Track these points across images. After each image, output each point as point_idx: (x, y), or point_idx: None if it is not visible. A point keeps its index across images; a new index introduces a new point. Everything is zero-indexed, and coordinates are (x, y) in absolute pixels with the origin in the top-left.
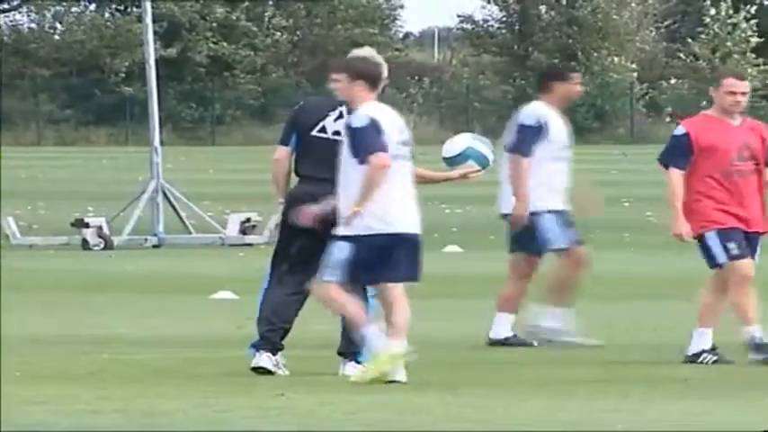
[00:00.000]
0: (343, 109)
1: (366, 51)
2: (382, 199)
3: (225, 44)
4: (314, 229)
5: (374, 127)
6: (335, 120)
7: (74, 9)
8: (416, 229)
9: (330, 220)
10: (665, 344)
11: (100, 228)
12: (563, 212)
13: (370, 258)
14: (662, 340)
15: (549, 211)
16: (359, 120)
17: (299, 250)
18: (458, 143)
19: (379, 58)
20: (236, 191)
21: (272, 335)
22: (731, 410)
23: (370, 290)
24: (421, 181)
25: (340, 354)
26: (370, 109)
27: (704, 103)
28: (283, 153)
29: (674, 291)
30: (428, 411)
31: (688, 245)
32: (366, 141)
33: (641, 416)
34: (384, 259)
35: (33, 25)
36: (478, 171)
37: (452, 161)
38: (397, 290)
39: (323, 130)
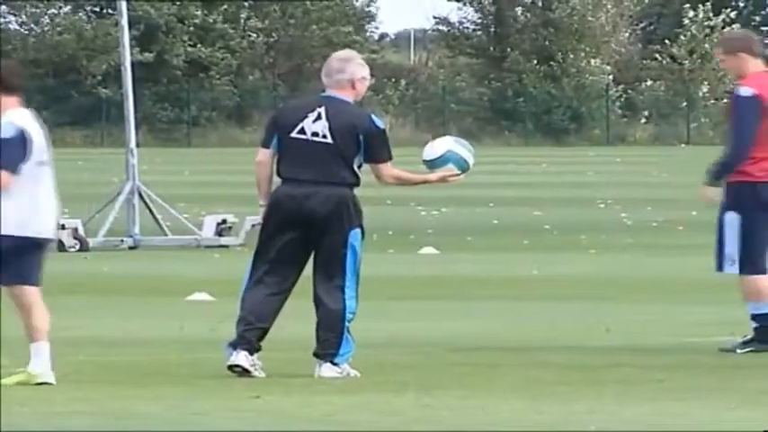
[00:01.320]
0: (322, 110)
1: (347, 53)
2: (29, 204)
3: (201, 47)
4: (294, 230)
5: (20, 139)
6: (314, 121)
7: (51, 11)
8: (53, 235)
9: (313, 224)
10: (640, 346)
11: (75, 229)
12: None
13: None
14: (637, 342)
15: None
16: (6, 129)
17: (278, 252)
18: (438, 146)
19: (359, 59)
20: (211, 192)
21: (250, 334)
22: (706, 412)
23: (351, 290)
24: (399, 183)
25: (316, 355)
26: (15, 117)
27: (684, 104)
28: (265, 156)
29: (651, 292)
30: (405, 413)
31: (660, 246)
32: (7, 155)
33: (616, 417)
34: (28, 261)
35: (11, 26)
36: (458, 175)
37: (432, 164)
38: (36, 293)
39: (302, 131)
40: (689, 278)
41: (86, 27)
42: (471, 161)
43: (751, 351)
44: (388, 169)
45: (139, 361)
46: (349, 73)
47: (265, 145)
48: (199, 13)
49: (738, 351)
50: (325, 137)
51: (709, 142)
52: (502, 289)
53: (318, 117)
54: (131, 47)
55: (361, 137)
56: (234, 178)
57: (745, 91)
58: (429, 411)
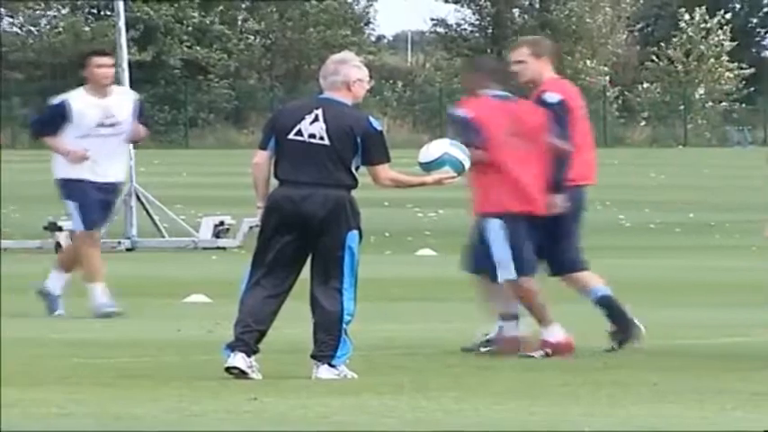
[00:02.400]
0: (319, 112)
1: (343, 55)
2: None
3: (199, 48)
4: (292, 232)
5: None
6: (311, 123)
7: (49, 13)
8: None
9: (310, 226)
10: (636, 348)
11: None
12: None
13: None
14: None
15: None
16: None
17: (276, 254)
18: (434, 149)
19: (356, 62)
20: (209, 194)
21: (248, 337)
22: (701, 413)
23: (349, 293)
24: (396, 185)
25: (313, 357)
26: None
27: (681, 106)
28: (263, 157)
29: (648, 294)
30: (400, 414)
31: (657, 248)
32: None
33: (612, 418)
34: None
35: (9, 29)
36: (454, 177)
37: (428, 166)
38: None
39: (299, 133)
40: (686, 280)
41: (84, 29)
42: (467, 163)
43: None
44: (385, 171)
45: (136, 363)
46: (343, 75)
47: (263, 147)
48: (195, 14)
49: (482, 350)
50: (322, 138)
51: (707, 144)
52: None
53: (315, 119)
54: (129, 47)
55: (358, 139)
56: (231, 180)
57: (555, 97)
58: (425, 413)
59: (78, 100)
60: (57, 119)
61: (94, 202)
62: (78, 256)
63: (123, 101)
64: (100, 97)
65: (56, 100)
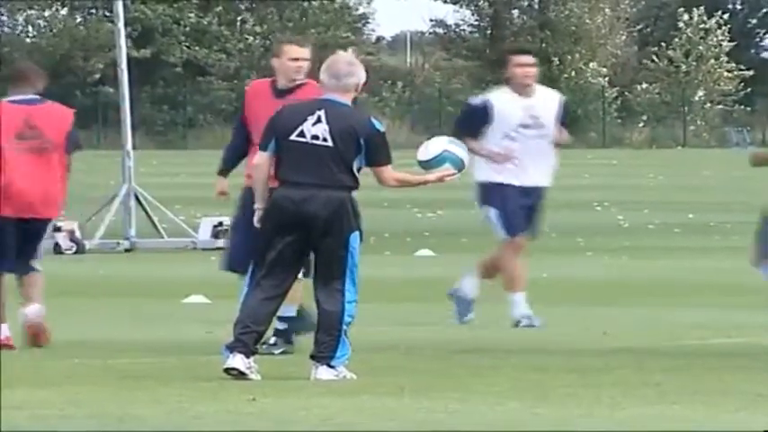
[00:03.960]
0: (322, 113)
1: (350, 57)
2: None
3: (198, 49)
4: (292, 234)
5: None
6: (314, 124)
7: (46, 13)
8: None
9: (314, 227)
10: (638, 348)
11: (72, 232)
12: None
13: None
14: (634, 345)
15: None
16: None
17: (276, 255)
18: (433, 147)
19: (357, 62)
20: (208, 194)
21: (247, 337)
22: (704, 415)
23: (351, 294)
24: (401, 185)
25: (312, 358)
26: None
27: (680, 107)
28: (263, 158)
29: (648, 295)
30: (402, 416)
31: (657, 249)
32: None
33: (614, 419)
34: None
35: (6, 29)
36: (454, 174)
37: (428, 164)
38: None
39: (301, 134)
40: (686, 280)
41: (80, 28)
42: (467, 160)
43: (284, 352)
44: (389, 172)
45: (136, 364)
46: (356, 77)
47: (263, 148)
48: (192, 15)
49: (275, 352)
50: (325, 140)
51: (706, 145)
52: (498, 291)
53: (318, 120)
54: (126, 45)
55: (361, 140)
56: (230, 181)
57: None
58: (426, 414)
59: (501, 100)
60: (477, 120)
61: (516, 207)
62: (499, 264)
63: (548, 101)
64: (523, 97)
65: (476, 100)
